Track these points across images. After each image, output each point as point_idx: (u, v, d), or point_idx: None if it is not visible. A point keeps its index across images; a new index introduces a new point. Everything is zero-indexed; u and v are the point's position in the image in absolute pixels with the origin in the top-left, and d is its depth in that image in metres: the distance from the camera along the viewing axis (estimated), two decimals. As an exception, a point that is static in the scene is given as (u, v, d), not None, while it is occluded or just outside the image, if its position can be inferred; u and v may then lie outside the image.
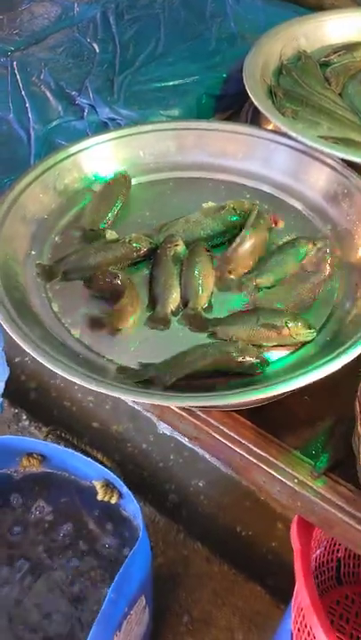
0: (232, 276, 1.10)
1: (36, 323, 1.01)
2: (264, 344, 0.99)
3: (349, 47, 1.53)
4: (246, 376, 0.95)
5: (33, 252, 1.14)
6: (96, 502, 1.32)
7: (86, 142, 1.27)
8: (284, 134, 1.26)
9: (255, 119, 1.48)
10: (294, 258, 1.13)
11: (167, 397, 0.90)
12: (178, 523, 1.91)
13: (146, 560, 1.24)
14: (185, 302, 1.07)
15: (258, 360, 0.95)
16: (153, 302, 1.07)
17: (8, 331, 0.96)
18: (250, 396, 0.88)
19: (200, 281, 1.08)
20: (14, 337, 0.95)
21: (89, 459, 1.29)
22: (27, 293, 1.06)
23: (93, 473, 1.34)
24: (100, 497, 1.31)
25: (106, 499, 1.31)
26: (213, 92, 1.49)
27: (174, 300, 1.06)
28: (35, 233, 1.16)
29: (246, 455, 0.96)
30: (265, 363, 0.96)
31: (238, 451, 0.97)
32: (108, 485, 1.31)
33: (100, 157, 1.28)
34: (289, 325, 0.97)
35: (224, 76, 1.52)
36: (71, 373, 0.90)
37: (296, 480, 0.93)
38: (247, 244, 1.12)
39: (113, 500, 1.31)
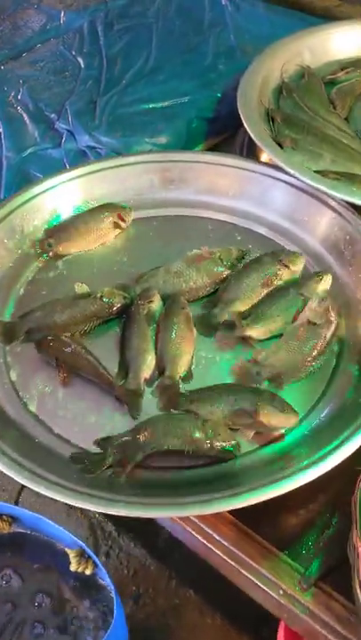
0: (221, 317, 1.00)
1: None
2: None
3: (358, 63, 1.38)
4: (218, 460, 0.83)
5: (-5, 309, 1.01)
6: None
7: (58, 178, 1.14)
8: (281, 169, 1.11)
9: (251, 146, 1.33)
10: (290, 308, 0.99)
11: (130, 506, 0.76)
12: (170, 567, 1.79)
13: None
14: (161, 369, 0.94)
15: (230, 445, 0.83)
16: (124, 369, 0.94)
17: None
18: (209, 508, 0.75)
19: (178, 345, 0.95)
20: None
21: (60, 527, 1.16)
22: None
23: (67, 539, 1.21)
24: (73, 567, 1.18)
25: (80, 569, 1.18)
26: (206, 115, 1.35)
27: (148, 366, 0.94)
28: (-3, 285, 1.04)
29: (225, 558, 0.83)
30: (238, 448, 0.83)
31: (216, 551, 0.84)
32: (83, 555, 1.19)
33: (73, 194, 1.15)
34: (263, 412, 0.84)
35: (218, 95, 1.38)
36: (25, 476, 0.78)
37: (281, 591, 0.81)
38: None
39: (88, 571, 1.19)
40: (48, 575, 1.29)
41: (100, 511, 0.79)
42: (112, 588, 1.15)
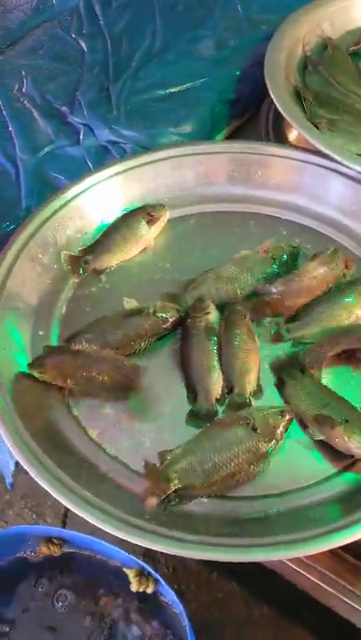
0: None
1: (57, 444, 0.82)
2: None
3: (382, 31, 1.30)
4: None
5: (40, 333, 0.93)
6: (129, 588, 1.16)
7: (84, 182, 1.05)
8: (324, 155, 1.04)
9: (277, 127, 1.26)
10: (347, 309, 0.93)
11: (199, 548, 0.71)
12: (208, 561, 1.77)
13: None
14: (229, 386, 0.88)
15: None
16: (192, 391, 0.88)
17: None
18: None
19: (244, 360, 0.89)
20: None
21: (113, 545, 1.11)
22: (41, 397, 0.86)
23: (122, 558, 1.17)
24: (134, 588, 1.14)
25: (141, 589, 1.14)
26: (227, 97, 1.26)
27: (216, 385, 0.88)
28: (37, 307, 0.96)
29: (320, 583, 0.79)
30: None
31: (309, 577, 0.80)
32: (143, 574, 1.14)
33: (104, 197, 1.07)
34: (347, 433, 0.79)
35: (237, 73, 1.29)
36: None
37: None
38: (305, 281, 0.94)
39: (149, 590, 1.14)
40: (105, 595, 1.25)
41: (181, 555, 0.74)
42: (179, 607, 1.11)
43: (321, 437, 0.81)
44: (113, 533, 0.72)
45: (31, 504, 1.70)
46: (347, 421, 0.80)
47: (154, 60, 1.33)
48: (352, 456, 0.80)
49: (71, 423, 0.85)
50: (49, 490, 0.74)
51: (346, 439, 0.79)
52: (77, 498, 0.75)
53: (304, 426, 0.84)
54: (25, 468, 0.76)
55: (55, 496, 0.74)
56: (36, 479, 0.75)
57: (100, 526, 0.73)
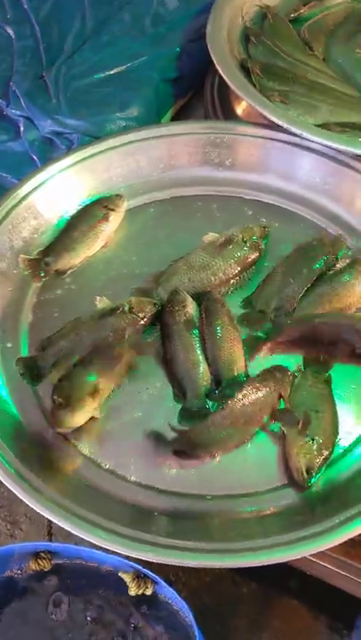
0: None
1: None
2: None
3: (320, -5, 1.27)
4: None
5: (9, 345, 0.87)
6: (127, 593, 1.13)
7: (34, 180, 0.99)
8: (281, 129, 1.01)
9: (224, 101, 1.22)
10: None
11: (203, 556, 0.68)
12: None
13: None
14: (217, 379, 0.84)
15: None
16: (180, 388, 0.84)
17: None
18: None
19: (230, 350, 0.85)
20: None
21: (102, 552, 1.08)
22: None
23: (115, 563, 1.13)
24: (133, 592, 1.11)
25: (140, 592, 1.11)
26: (170, 75, 1.22)
27: (204, 379, 0.84)
28: (0, 318, 0.90)
29: (336, 569, 0.78)
30: None
31: (323, 564, 0.78)
32: (139, 576, 1.11)
33: (57, 193, 1.00)
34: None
35: (177, 50, 1.24)
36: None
37: None
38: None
39: (148, 592, 1.11)
40: (103, 603, 1.22)
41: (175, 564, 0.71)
42: (181, 604, 1.09)
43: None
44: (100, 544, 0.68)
45: (4, 514, 1.63)
46: (314, 439, 0.77)
47: (88, 42, 1.26)
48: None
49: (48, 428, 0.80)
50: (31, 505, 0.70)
51: (295, 451, 0.77)
52: (57, 507, 0.70)
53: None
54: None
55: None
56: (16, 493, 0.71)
57: (86, 538, 0.69)
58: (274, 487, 0.77)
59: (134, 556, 0.67)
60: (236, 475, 0.78)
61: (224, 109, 1.21)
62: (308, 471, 0.75)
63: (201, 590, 1.73)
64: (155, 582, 1.14)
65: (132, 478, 0.78)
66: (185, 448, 0.79)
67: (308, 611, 1.69)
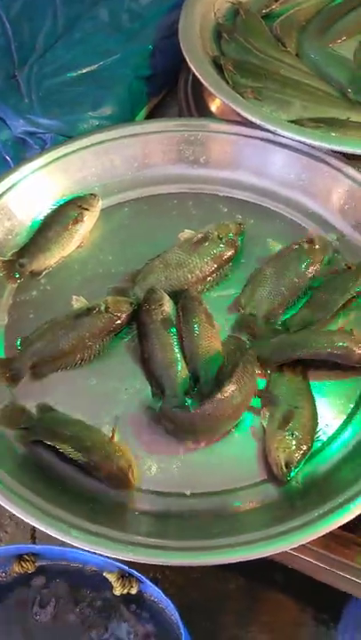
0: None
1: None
2: None
3: (291, -10, 1.27)
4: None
5: (-17, 349, 0.87)
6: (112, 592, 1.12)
7: (9, 179, 0.98)
8: (254, 125, 1.01)
9: (197, 98, 1.22)
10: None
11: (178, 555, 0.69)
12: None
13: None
14: (195, 377, 0.84)
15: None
16: (158, 387, 0.84)
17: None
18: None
19: (207, 347, 0.85)
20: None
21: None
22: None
23: (100, 563, 1.13)
24: (117, 592, 1.10)
25: (125, 591, 1.10)
26: (143, 73, 1.21)
27: (182, 376, 0.84)
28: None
29: (319, 563, 0.78)
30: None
31: (306, 558, 0.79)
32: (124, 576, 1.11)
33: (31, 194, 1.00)
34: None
35: (150, 47, 1.23)
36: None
37: (385, 583, 0.77)
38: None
39: (133, 591, 1.11)
40: (89, 604, 1.21)
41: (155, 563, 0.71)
42: (167, 602, 1.09)
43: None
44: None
45: (-12, 518, 1.62)
46: (293, 434, 0.77)
47: (60, 40, 1.25)
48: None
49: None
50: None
51: (275, 446, 0.77)
52: (31, 507, 0.70)
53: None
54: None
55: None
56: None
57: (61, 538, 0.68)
58: (254, 483, 0.77)
59: (112, 556, 0.67)
60: (217, 471, 0.78)
61: (198, 107, 1.21)
62: (287, 465, 0.75)
63: (188, 587, 1.72)
64: (139, 581, 1.13)
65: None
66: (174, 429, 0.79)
67: (294, 603, 1.70)
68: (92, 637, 1.20)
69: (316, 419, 0.80)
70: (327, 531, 0.68)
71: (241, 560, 0.67)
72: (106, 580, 1.14)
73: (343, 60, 1.16)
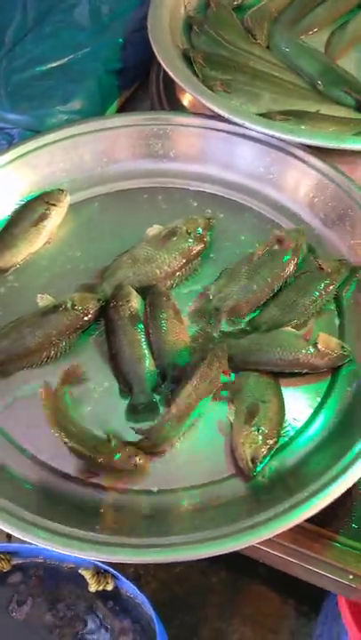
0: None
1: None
2: None
3: (261, -18, 1.26)
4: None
5: None
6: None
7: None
8: (225, 119, 1.00)
9: (169, 92, 1.21)
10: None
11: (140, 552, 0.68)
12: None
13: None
14: (162, 373, 0.84)
15: None
16: (126, 384, 0.83)
17: None
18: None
19: (174, 344, 0.85)
20: None
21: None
22: None
23: (76, 560, 1.13)
24: (93, 588, 1.11)
25: (100, 588, 1.11)
26: (113, 67, 1.20)
27: (150, 373, 0.84)
28: None
29: (287, 557, 0.78)
30: None
31: (275, 553, 0.79)
32: (100, 572, 1.11)
33: (-1, 189, 0.98)
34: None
35: (120, 41, 1.22)
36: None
37: (352, 576, 0.77)
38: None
39: (109, 587, 1.11)
40: (65, 600, 1.21)
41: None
42: (142, 598, 1.09)
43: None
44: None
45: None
46: (259, 429, 0.77)
47: (30, 34, 1.24)
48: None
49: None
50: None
51: (241, 441, 0.77)
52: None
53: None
54: None
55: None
56: None
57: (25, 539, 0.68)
58: (221, 478, 0.77)
59: (76, 555, 0.67)
60: (184, 467, 0.78)
61: (170, 100, 1.20)
62: (253, 460, 0.75)
63: (170, 581, 1.73)
64: (115, 578, 1.14)
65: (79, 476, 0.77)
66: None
67: (276, 596, 1.71)
68: (68, 633, 1.20)
69: (284, 413, 0.80)
70: (293, 524, 0.68)
71: (208, 556, 0.67)
72: (82, 576, 1.14)
73: (314, 52, 1.15)
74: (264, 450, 0.76)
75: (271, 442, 0.77)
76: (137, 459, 0.75)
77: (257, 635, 1.66)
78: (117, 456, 0.76)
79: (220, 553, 0.68)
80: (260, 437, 0.76)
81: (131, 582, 1.12)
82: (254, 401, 0.79)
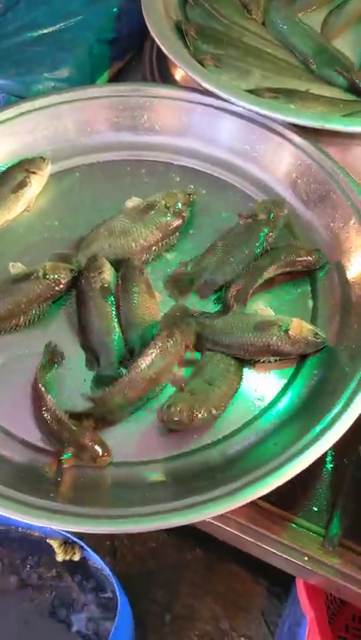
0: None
1: None
2: None
3: None
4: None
5: None
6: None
7: None
8: (212, 94, 0.99)
9: (162, 65, 1.19)
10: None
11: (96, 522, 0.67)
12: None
13: (128, 627, 1.08)
14: (130, 347, 0.84)
15: None
16: (93, 356, 0.83)
17: None
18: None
19: (143, 318, 0.84)
20: None
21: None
22: None
23: (45, 530, 1.14)
24: (60, 557, 1.12)
25: (67, 557, 1.12)
26: (106, 36, 1.18)
27: (119, 347, 0.83)
28: None
29: (242, 535, 0.78)
30: None
31: (231, 530, 0.79)
32: (67, 543, 1.12)
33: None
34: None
35: (115, 10, 1.20)
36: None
37: (306, 558, 0.77)
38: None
39: (76, 557, 1.12)
40: (32, 568, 1.23)
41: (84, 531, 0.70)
42: (106, 570, 1.10)
43: None
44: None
45: None
46: (191, 392, 0.76)
47: (22, 1, 1.22)
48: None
49: None
50: None
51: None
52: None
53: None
54: None
55: None
56: None
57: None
58: (176, 454, 0.76)
59: (29, 522, 0.67)
60: (136, 441, 0.77)
61: (162, 74, 1.18)
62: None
63: (146, 556, 1.74)
64: (82, 549, 1.15)
65: (39, 444, 0.77)
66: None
67: (249, 576, 1.73)
68: (36, 599, 1.21)
69: (227, 403, 0.79)
70: (246, 502, 0.68)
71: (159, 528, 0.67)
72: (51, 547, 1.15)
73: (309, 32, 1.13)
74: (182, 407, 0.74)
75: (196, 411, 0.74)
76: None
77: (228, 612, 1.68)
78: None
79: (168, 527, 0.68)
80: (187, 396, 0.75)
81: (98, 555, 1.13)
82: (202, 382, 0.78)
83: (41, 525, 0.67)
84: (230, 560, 1.75)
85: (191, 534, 1.73)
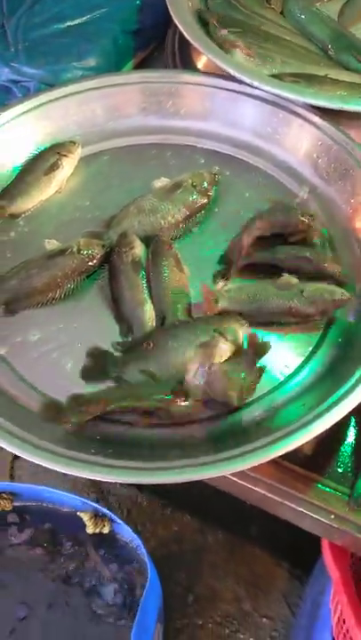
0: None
1: None
2: None
3: None
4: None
5: None
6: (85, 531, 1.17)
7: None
8: (234, 78, 1.03)
9: (184, 54, 1.23)
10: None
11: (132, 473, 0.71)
12: (160, 497, 1.81)
13: (157, 594, 1.12)
14: (161, 318, 0.87)
15: None
16: (126, 325, 0.87)
17: None
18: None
19: (173, 289, 0.88)
20: None
21: (64, 492, 1.12)
22: None
23: (75, 504, 1.18)
24: (90, 530, 1.16)
25: (98, 530, 1.15)
26: (130, 27, 1.22)
27: (150, 317, 0.87)
28: None
29: (270, 494, 0.82)
30: None
31: (259, 490, 0.82)
32: (97, 515, 1.16)
33: (12, 140, 1.02)
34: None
35: (138, 2, 1.24)
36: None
37: (333, 516, 0.80)
38: None
39: (106, 530, 1.16)
40: (62, 541, 1.26)
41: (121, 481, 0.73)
42: (137, 541, 1.14)
43: None
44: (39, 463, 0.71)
45: None
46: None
47: (47, -8, 1.27)
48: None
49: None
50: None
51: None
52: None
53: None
54: None
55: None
56: None
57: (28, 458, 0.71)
58: (212, 415, 0.80)
59: (70, 473, 0.70)
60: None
61: (184, 62, 1.22)
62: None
63: (168, 539, 1.78)
64: (112, 521, 1.18)
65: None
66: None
67: (270, 557, 1.76)
68: (65, 569, 1.25)
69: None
70: (270, 458, 0.71)
71: (185, 480, 0.70)
72: (81, 521, 1.19)
73: (327, 20, 1.17)
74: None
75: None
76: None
77: (250, 594, 1.70)
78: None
79: (197, 479, 0.71)
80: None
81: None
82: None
83: (91, 477, 0.71)
84: (251, 543, 1.78)
85: (212, 516, 1.76)
